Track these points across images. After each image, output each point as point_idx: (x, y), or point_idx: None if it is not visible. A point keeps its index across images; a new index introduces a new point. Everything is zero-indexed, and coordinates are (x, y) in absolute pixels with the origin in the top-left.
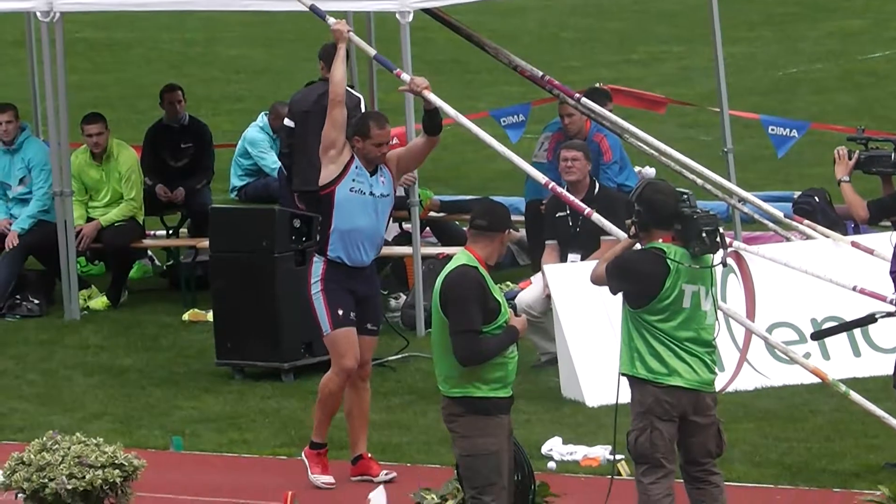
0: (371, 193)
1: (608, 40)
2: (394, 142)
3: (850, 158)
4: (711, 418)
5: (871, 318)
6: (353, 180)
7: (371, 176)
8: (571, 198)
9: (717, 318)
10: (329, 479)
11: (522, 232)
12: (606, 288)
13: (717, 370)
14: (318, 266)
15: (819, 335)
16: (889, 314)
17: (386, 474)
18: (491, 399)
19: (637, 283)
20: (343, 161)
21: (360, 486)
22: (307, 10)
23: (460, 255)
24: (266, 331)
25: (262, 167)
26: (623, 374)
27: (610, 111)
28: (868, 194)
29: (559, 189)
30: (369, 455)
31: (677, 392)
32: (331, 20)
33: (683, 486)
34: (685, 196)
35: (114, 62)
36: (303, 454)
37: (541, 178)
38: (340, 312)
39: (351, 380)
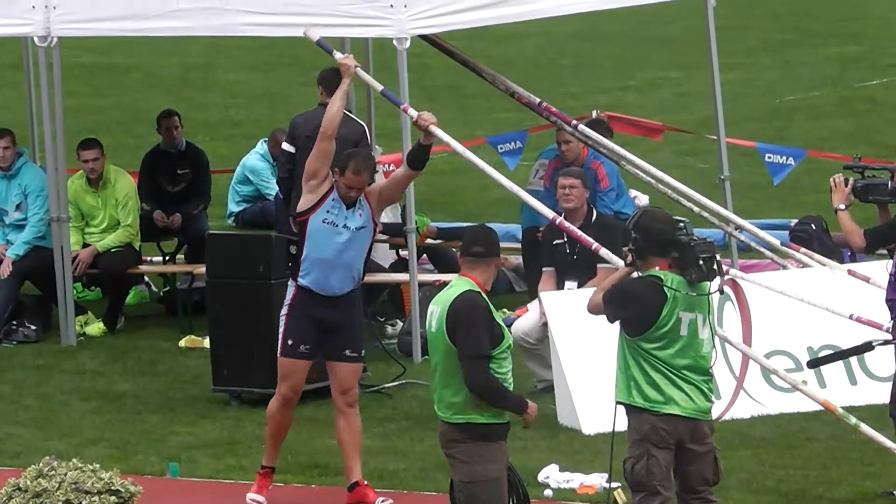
0: (345, 226)
1: (606, 66)
2: (390, 168)
3: (846, 186)
4: (708, 446)
5: (867, 346)
6: (328, 212)
7: (348, 209)
8: (580, 233)
9: (714, 346)
10: (258, 497)
11: (519, 259)
12: (603, 317)
13: (714, 398)
14: (290, 290)
15: (815, 363)
16: (886, 342)
17: (382, 501)
18: (491, 425)
19: (634, 310)
20: (321, 192)
21: None
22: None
23: (461, 283)
24: (263, 357)
25: (266, 196)
26: (619, 403)
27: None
28: (865, 222)
29: (567, 224)
30: (365, 482)
31: (674, 420)
32: (338, 55)
33: None
34: (682, 224)
35: (112, 86)
36: None
37: (548, 213)
38: (290, 342)
39: (338, 407)
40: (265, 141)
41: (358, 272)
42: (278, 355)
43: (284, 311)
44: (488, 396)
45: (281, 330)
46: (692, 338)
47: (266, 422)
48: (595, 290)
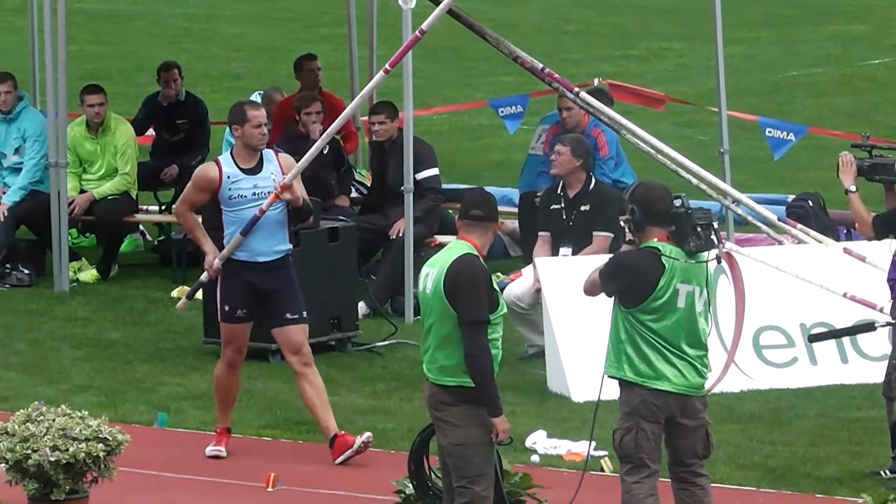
0: (254, 193)
1: (609, 34)
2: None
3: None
4: (700, 421)
5: (870, 326)
6: (230, 187)
7: (251, 174)
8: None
9: (708, 320)
10: (215, 448)
11: (515, 223)
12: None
13: (707, 374)
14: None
15: (817, 338)
16: (889, 324)
17: (360, 438)
18: None
19: (631, 280)
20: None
21: (343, 469)
22: None
23: (459, 245)
24: None
25: None
26: (611, 377)
27: None
28: (867, 199)
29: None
30: (343, 432)
31: (664, 396)
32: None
33: (670, 484)
34: (678, 196)
35: (114, 34)
36: None
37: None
38: (227, 308)
39: (295, 370)
40: (260, 93)
41: (283, 236)
42: (220, 320)
43: (220, 276)
44: (481, 368)
45: (219, 295)
46: (689, 311)
47: (214, 385)
48: (592, 271)
